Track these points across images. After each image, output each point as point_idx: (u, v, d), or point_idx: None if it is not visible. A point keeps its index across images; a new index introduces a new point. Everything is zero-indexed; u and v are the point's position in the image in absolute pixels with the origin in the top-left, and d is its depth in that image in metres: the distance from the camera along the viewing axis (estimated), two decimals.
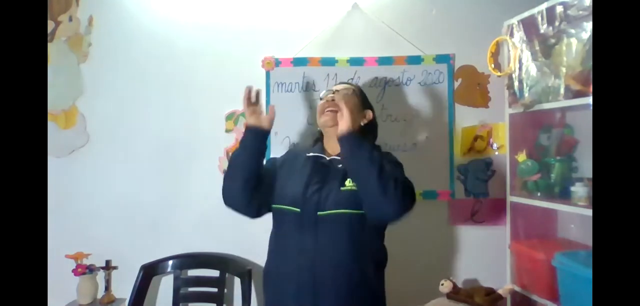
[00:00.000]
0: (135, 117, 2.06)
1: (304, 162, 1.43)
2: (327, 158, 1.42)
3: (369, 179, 1.21)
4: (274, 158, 1.57)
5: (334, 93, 1.45)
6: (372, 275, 1.36)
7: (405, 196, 1.23)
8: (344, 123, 1.28)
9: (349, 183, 1.33)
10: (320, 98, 1.49)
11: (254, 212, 1.43)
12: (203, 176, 2.05)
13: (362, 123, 1.44)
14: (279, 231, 1.41)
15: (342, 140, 1.28)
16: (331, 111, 1.40)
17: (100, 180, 2.06)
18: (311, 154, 1.44)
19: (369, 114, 1.49)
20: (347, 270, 1.30)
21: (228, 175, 1.43)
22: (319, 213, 1.32)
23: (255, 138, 1.41)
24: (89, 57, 2.06)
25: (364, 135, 1.38)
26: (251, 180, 1.38)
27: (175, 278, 2.02)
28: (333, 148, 1.43)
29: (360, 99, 1.48)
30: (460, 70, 2.04)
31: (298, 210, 1.33)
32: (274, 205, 1.42)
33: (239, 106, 2.01)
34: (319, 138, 1.53)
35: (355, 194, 1.29)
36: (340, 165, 1.38)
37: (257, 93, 1.46)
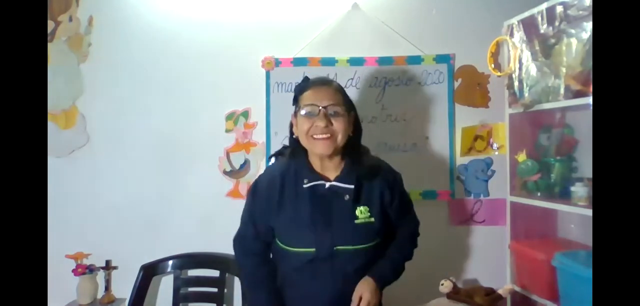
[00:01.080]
0: (135, 117, 2.06)
1: (301, 193, 1.28)
2: (327, 185, 1.30)
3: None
4: (260, 191, 1.36)
5: (324, 108, 1.25)
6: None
7: (417, 237, 1.49)
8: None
9: (361, 215, 1.27)
10: (296, 97, 1.33)
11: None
12: (203, 176, 2.05)
13: (350, 134, 1.32)
14: (290, 271, 1.31)
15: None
16: (325, 138, 1.25)
17: (100, 180, 2.06)
18: (308, 185, 1.28)
19: (353, 116, 1.35)
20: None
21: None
22: (335, 248, 1.25)
23: None
24: (89, 57, 2.06)
25: (352, 143, 1.33)
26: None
27: (175, 278, 2.02)
28: (327, 169, 1.31)
29: (345, 100, 1.32)
30: (460, 70, 2.04)
31: (313, 250, 1.25)
32: (283, 246, 1.30)
33: (239, 106, 2.05)
34: (301, 153, 1.34)
35: (370, 226, 1.28)
36: (347, 197, 1.27)
37: None
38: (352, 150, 1.34)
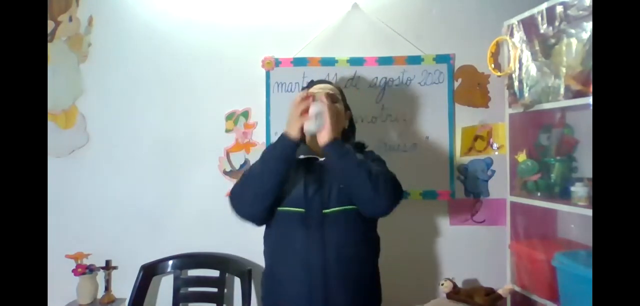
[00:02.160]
0: (135, 117, 2.06)
1: (296, 164, 1.39)
2: (320, 159, 1.41)
3: (359, 182, 1.26)
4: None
5: (330, 96, 1.39)
6: (375, 264, 1.44)
7: (394, 190, 1.32)
8: (326, 133, 1.26)
9: None
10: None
11: (265, 221, 1.41)
12: (203, 176, 2.05)
13: (345, 127, 1.45)
14: (282, 233, 1.38)
15: (327, 149, 1.27)
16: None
17: (100, 180, 2.06)
18: (303, 156, 1.40)
19: (349, 115, 1.51)
20: (356, 263, 1.34)
21: (255, 188, 1.33)
22: (324, 211, 1.32)
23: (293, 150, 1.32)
24: (89, 57, 2.06)
25: (347, 138, 1.41)
26: (278, 192, 1.33)
27: (175, 278, 2.02)
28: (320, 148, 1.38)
29: (343, 97, 1.50)
30: (460, 70, 2.04)
31: (302, 210, 1.33)
32: (278, 208, 1.38)
33: (239, 106, 2.05)
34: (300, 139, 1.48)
35: None
36: None
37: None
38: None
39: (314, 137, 1.38)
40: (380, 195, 1.26)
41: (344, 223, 1.33)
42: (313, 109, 1.26)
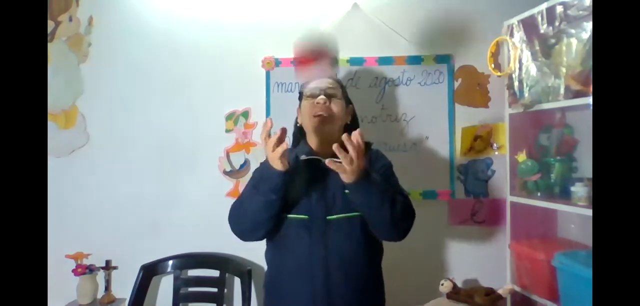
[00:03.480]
0: (135, 117, 2.06)
1: (297, 165, 1.34)
2: (323, 160, 1.35)
3: (381, 216, 1.24)
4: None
5: (324, 92, 1.35)
6: (379, 267, 1.42)
7: (411, 218, 1.32)
8: (352, 174, 1.18)
9: None
10: (301, 92, 1.42)
11: (272, 235, 1.36)
12: (203, 176, 2.05)
13: (348, 122, 1.42)
14: (285, 240, 1.33)
15: (353, 189, 1.22)
16: (321, 116, 1.33)
17: (100, 180, 2.06)
18: (304, 157, 1.35)
19: (351, 109, 1.46)
20: (360, 269, 1.32)
21: (254, 217, 1.28)
22: (328, 217, 1.30)
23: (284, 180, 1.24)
24: (89, 57, 2.06)
25: (349, 133, 1.37)
26: (278, 216, 1.29)
27: (175, 278, 2.02)
28: (323, 147, 1.35)
29: (344, 92, 1.43)
30: (460, 70, 2.04)
31: (306, 217, 1.30)
32: (283, 215, 1.33)
33: (239, 106, 2.05)
34: (300, 136, 1.46)
35: None
36: None
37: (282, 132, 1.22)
38: None
39: (315, 135, 1.37)
40: (399, 228, 1.28)
41: (348, 230, 1.30)
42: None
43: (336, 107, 1.35)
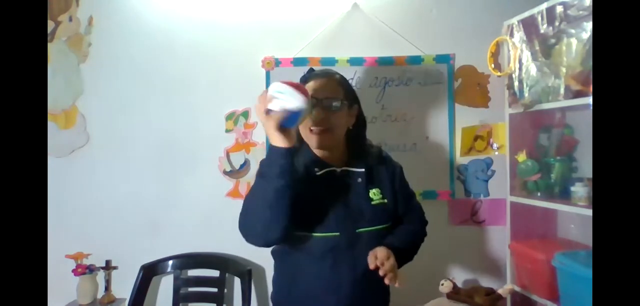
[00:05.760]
0: (135, 117, 2.06)
1: (314, 179, 1.24)
2: (339, 170, 1.28)
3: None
4: None
5: (323, 105, 1.22)
6: None
7: (425, 231, 1.48)
8: (395, 272, 1.19)
9: (375, 196, 1.28)
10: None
11: (286, 240, 1.22)
12: (203, 176, 2.05)
13: (350, 127, 1.31)
14: (308, 261, 1.24)
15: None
16: (321, 131, 1.22)
17: (100, 180, 2.06)
18: (319, 172, 1.25)
19: (355, 109, 1.33)
20: (382, 281, 1.21)
21: (266, 214, 1.11)
22: (357, 231, 1.23)
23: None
24: (89, 57, 2.06)
25: (356, 135, 1.33)
26: (291, 208, 1.12)
27: (175, 278, 2.02)
28: (332, 157, 1.29)
29: (347, 93, 1.30)
30: (460, 70, 2.04)
31: (337, 234, 1.21)
32: (302, 233, 1.23)
33: (239, 106, 2.05)
34: (305, 143, 1.30)
35: (384, 207, 1.29)
36: (359, 179, 1.27)
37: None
38: (355, 140, 1.35)
39: (324, 145, 1.25)
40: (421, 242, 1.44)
41: (377, 242, 1.23)
42: (276, 103, 1.05)
43: (336, 118, 1.24)
